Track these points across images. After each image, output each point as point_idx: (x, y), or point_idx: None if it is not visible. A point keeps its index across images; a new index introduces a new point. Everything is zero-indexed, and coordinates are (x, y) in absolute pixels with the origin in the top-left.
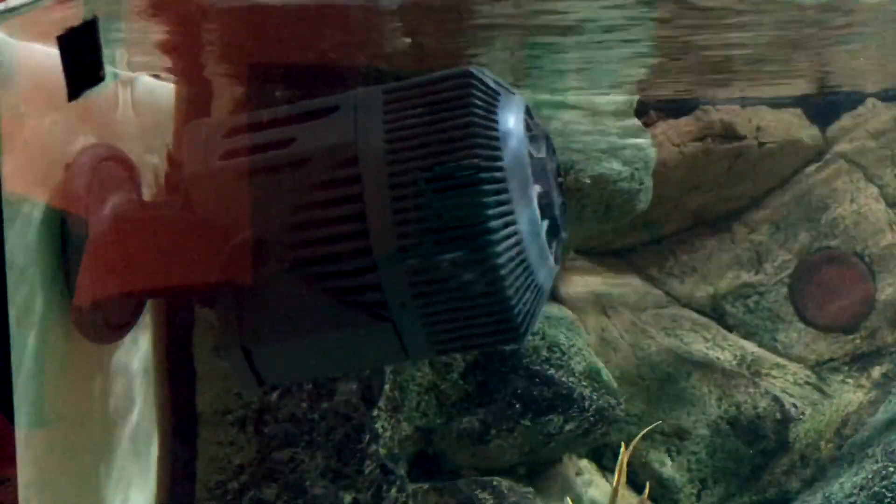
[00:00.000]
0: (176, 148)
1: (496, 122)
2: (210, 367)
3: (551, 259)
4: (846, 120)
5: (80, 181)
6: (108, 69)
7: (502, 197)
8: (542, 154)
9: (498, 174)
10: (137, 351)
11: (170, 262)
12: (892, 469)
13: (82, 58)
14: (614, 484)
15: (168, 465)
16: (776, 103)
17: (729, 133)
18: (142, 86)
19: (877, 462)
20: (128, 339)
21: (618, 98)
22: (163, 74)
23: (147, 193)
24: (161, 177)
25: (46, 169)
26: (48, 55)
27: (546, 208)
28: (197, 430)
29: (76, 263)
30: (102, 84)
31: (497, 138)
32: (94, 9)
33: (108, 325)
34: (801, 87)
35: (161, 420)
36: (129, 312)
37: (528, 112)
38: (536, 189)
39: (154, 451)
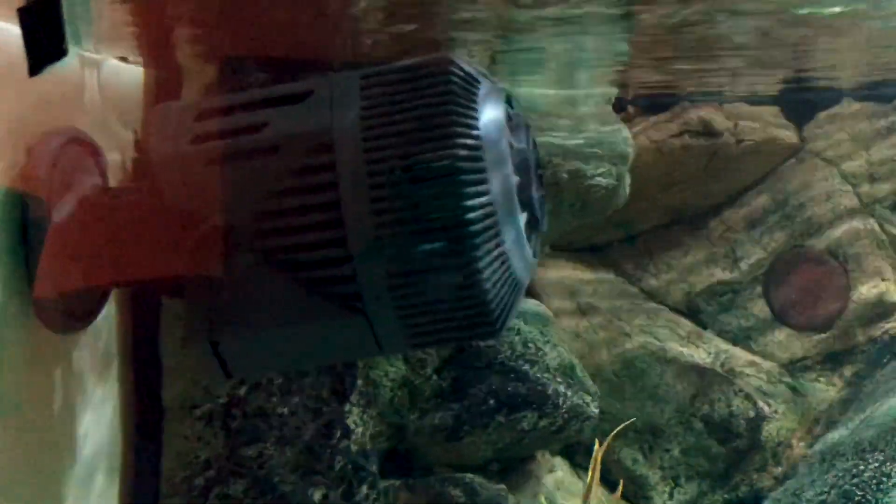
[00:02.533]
0: (144, 132)
1: (476, 110)
2: (177, 359)
3: (530, 252)
4: (822, 119)
5: (43, 165)
6: (73, 50)
7: (481, 188)
8: (523, 145)
9: (477, 164)
10: (101, 342)
11: (135, 249)
12: (862, 467)
13: (44, 32)
14: (588, 481)
15: (132, 461)
16: (754, 101)
17: (707, 130)
18: (108, 68)
19: (848, 460)
20: (91, 329)
21: (596, 92)
22: (131, 57)
23: (113, 179)
24: (128, 162)
25: (7, 152)
26: (9, 32)
27: (525, 200)
28: (162, 425)
29: (37, 250)
30: (66, 63)
31: (477, 127)
32: None
33: (71, 314)
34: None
35: (125, 414)
36: (92, 302)
37: (508, 101)
38: (516, 180)
39: (118, 445)
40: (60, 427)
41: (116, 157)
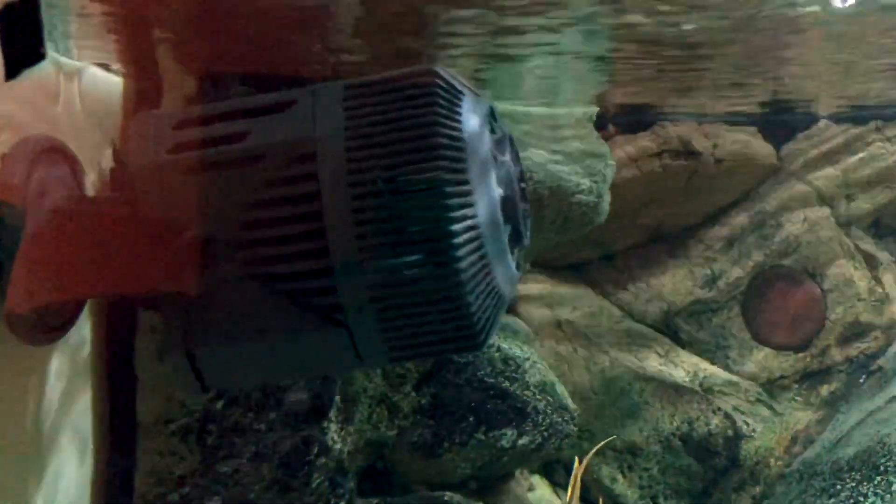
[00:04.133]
0: (122, 141)
1: (460, 122)
2: (152, 373)
3: (513, 265)
4: (800, 140)
5: (18, 173)
6: (52, 57)
7: (465, 200)
8: (506, 157)
9: (462, 176)
10: (74, 354)
11: (112, 260)
12: (839, 487)
13: (22, 35)
14: (567, 500)
15: (105, 477)
16: (732, 121)
17: (686, 149)
18: (88, 76)
19: (825, 480)
20: (64, 341)
21: (577, 110)
22: (113, 66)
23: (90, 188)
24: (106, 171)
25: None
26: None
27: (509, 213)
28: (136, 440)
29: (10, 259)
30: (44, 69)
31: (461, 139)
32: None
33: (44, 326)
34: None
35: (98, 428)
36: (66, 313)
37: (492, 114)
38: (500, 193)
39: (90, 461)
40: (32, 441)
41: (94, 165)
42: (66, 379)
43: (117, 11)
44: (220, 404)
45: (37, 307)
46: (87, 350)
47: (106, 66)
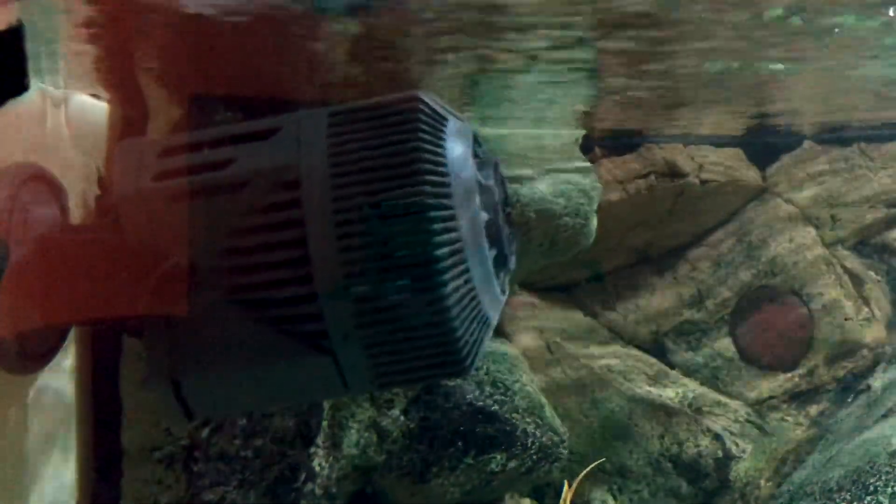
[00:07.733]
0: (107, 168)
1: (444, 147)
2: (137, 400)
3: (498, 290)
4: (785, 161)
5: (2, 201)
6: (38, 85)
7: (449, 225)
8: (491, 182)
9: (445, 201)
10: (58, 383)
11: (96, 287)
12: None
13: (6, 65)
14: None
15: None
16: (718, 143)
17: (672, 171)
18: (74, 104)
19: (815, 500)
20: (48, 369)
21: (563, 133)
22: (99, 93)
23: (75, 216)
24: (90, 198)
25: None
26: None
27: (494, 238)
28: (121, 468)
29: None
30: (28, 98)
31: (445, 164)
32: (26, 18)
33: (27, 354)
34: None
35: (83, 457)
36: (50, 341)
37: (476, 139)
38: (484, 217)
39: (74, 491)
40: (13, 473)
41: (79, 193)
42: (50, 407)
43: (104, 38)
44: (205, 432)
45: (20, 335)
46: (71, 378)
47: (94, 95)
